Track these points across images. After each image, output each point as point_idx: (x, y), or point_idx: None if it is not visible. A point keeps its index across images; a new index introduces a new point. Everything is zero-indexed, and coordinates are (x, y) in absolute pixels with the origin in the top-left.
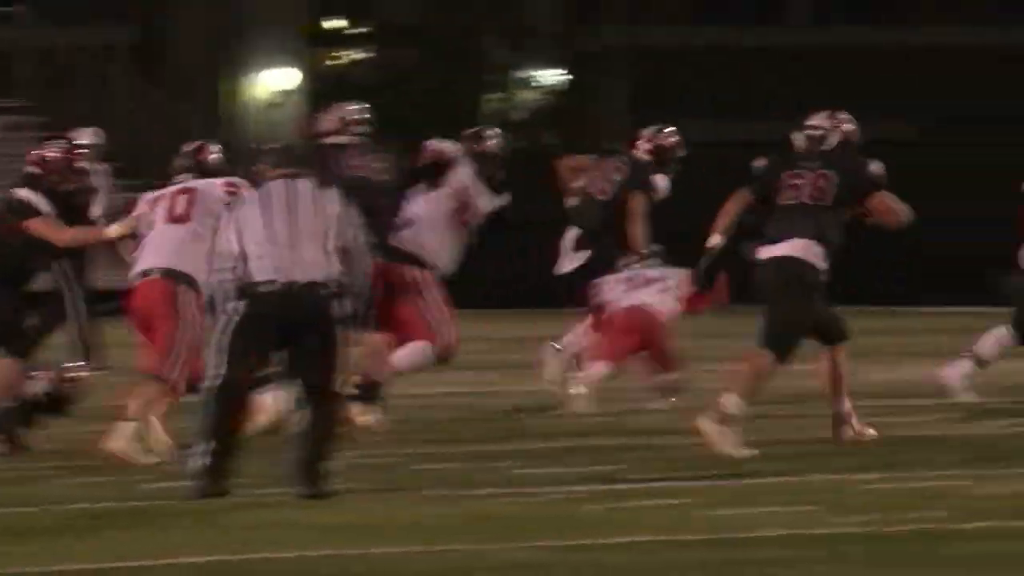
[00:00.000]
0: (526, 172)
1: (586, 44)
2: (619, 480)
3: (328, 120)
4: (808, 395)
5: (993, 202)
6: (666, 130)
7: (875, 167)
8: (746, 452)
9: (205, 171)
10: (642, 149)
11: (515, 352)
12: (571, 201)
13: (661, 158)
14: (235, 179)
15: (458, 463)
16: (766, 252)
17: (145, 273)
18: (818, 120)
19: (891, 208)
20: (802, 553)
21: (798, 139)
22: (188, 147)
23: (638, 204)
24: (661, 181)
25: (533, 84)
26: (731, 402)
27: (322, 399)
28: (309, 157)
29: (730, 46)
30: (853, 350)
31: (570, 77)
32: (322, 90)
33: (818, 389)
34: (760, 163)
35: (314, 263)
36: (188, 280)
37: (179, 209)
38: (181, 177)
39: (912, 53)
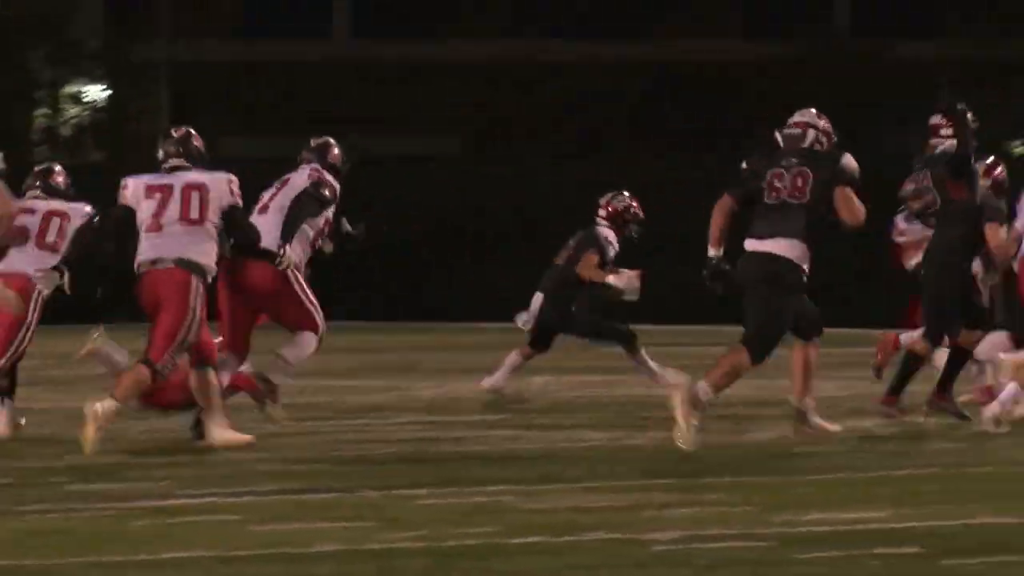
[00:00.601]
0: None
1: (128, 59)
2: (170, 496)
3: None
4: (354, 409)
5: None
6: (622, 195)
7: (847, 161)
8: (691, 446)
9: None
10: (600, 214)
11: (62, 368)
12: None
13: (617, 220)
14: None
15: (11, 479)
16: (752, 246)
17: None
18: (797, 118)
19: (851, 205)
20: (356, 568)
21: (779, 138)
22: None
23: (589, 263)
24: (613, 241)
25: (80, 100)
26: (702, 388)
27: None
28: None
29: (273, 60)
30: (404, 366)
31: (109, 92)
32: None
33: (393, 401)
34: (744, 166)
35: None
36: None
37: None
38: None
39: (457, 68)
